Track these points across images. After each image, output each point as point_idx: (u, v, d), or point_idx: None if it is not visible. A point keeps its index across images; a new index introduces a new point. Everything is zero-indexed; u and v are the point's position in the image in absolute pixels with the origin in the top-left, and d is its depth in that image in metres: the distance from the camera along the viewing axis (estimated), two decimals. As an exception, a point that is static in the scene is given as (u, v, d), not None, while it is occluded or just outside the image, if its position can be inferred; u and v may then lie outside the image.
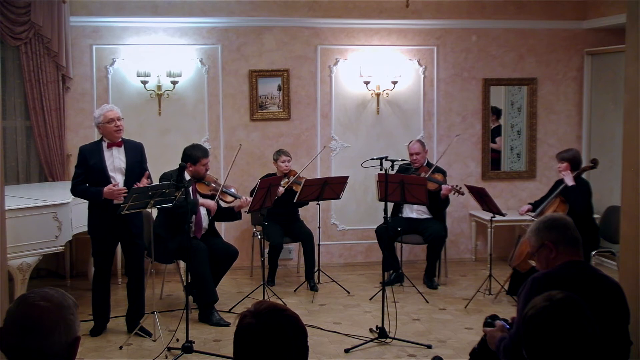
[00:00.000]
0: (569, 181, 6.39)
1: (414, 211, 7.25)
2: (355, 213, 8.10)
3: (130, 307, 5.78)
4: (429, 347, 5.46)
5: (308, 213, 7.58)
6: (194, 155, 6.20)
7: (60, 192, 6.30)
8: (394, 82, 7.86)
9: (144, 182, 5.53)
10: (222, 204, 6.44)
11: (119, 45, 7.54)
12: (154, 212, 6.10)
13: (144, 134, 7.14)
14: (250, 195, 6.53)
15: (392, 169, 6.22)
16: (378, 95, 7.95)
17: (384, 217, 5.97)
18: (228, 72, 7.75)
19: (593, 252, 6.60)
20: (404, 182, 6.48)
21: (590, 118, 8.27)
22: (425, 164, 7.20)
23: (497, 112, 8.37)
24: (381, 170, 5.86)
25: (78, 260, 7.49)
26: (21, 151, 7.37)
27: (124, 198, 5.29)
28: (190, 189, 5.99)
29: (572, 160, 6.50)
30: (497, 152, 8.41)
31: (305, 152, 7.82)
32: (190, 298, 5.83)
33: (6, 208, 4.56)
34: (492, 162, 8.36)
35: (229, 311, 6.29)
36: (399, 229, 6.99)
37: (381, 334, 5.56)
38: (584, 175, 6.65)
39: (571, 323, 2.26)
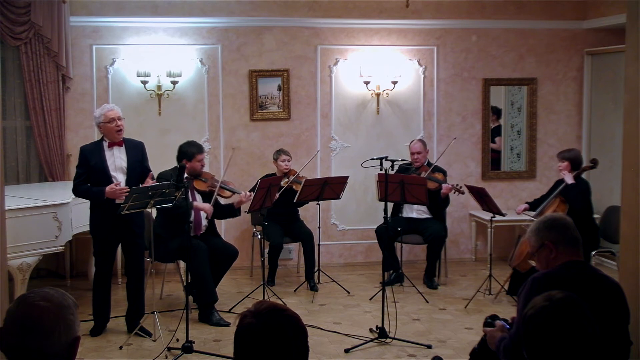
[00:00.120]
0: (569, 179, 6.40)
1: (414, 211, 7.25)
2: (355, 213, 8.10)
3: (130, 307, 5.78)
4: (429, 347, 5.46)
5: (308, 213, 7.58)
6: (189, 151, 6.20)
7: (60, 192, 6.30)
8: (394, 82, 7.86)
9: (149, 183, 5.53)
10: (221, 201, 6.43)
11: (119, 45, 7.54)
12: (154, 212, 6.10)
13: (144, 133, 7.13)
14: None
15: (392, 169, 6.22)
16: (378, 95, 7.95)
17: (384, 217, 5.97)
18: (228, 72, 7.76)
19: (593, 252, 6.60)
20: (404, 182, 6.49)
21: (590, 118, 8.28)
22: (425, 164, 7.20)
23: (497, 112, 8.37)
24: (381, 170, 5.86)
25: (78, 260, 7.49)
26: (21, 151, 7.37)
27: (125, 198, 5.30)
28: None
29: (573, 160, 6.50)
30: (497, 152, 8.41)
31: (305, 152, 7.82)
32: (190, 298, 5.83)
33: (6, 208, 4.56)
34: (492, 162, 8.36)
35: (229, 311, 6.29)
36: (399, 229, 6.99)
37: (381, 334, 5.56)
38: (583, 175, 6.66)
39: (571, 323, 2.26)
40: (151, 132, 7.43)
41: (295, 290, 7.01)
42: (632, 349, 3.13)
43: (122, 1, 7.50)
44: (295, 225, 7.23)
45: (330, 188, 6.90)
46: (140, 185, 5.45)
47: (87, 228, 6.05)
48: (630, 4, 4.43)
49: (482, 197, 6.69)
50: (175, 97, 7.63)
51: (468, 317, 6.19)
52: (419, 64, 8.08)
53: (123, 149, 5.62)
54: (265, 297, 6.20)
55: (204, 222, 6.31)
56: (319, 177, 7.60)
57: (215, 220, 6.61)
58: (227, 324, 5.91)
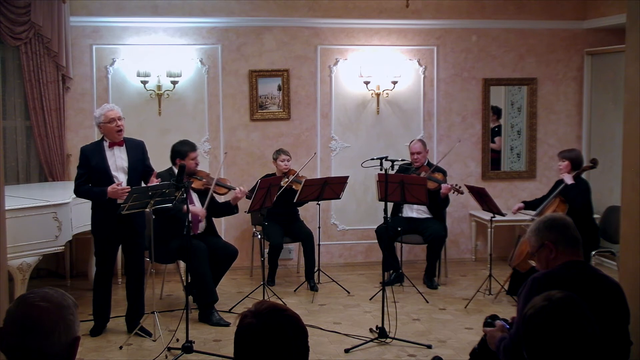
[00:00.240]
0: (568, 180, 6.39)
1: (414, 210, 7.25)
2: (355, 213, 8.10)
3: (130, 307, 5.78)
4: (429, 347, 5.46)
5: (308, 213, 7.58)
6: (182, 150, 6.21)
7: (60, 192, 6.30)
8: (394, 82, 7.86)
9: (154, 182, 5.54)
10: (218, 198, 6.43)
11: (119, 45, 7.54)
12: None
13: (144, 133, 7.11)
14: (248, 197, 6.51)
15: (392, 169, 6.22)
16: (378, 95, 7.95)
17: (384, 217, 5.97)
18: (228, 72, 7.76)
19: (593, 252, 6.60)
20: (404, 182, 6.49)
21: (590, 118, 8.28)
22: (425, 164, 7.20)
23: (497, 112, 8.37)
24: (381, 170, 5.86)
25: (78, 260, 7.49)
26: (21, 151, 7.37)
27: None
28: None
29: (574, 160, 6.50)
30: (496, 152, 8.41)
31: (305, 152, 7.82)
32: (190, 298, 5.83)
33: (6, 208, 4.56)
34: (492, 162, 8.36)
35: (229, 311, 6.28)
36: (399, 229, 6.99)
37: (381, 334, 5.56)
38: (583, 175, 6.66)
39: (570, 323, 2.26)
40: (151, 132, 7.43)
41: (295, 290, 7.01)
42: (632, 349, 3.13)
43: (122, 1, 7.50)
44: (295, 225, 7.23)
45: (330, 188, 6.90)
46: (147, 185, 5.46)
47: (87, 228, 6.06)
48: (630, 4, 4.43)
49: (482, 197, 6.69)
50: (175, 97, 7.63)
51: (468, 317, 6.19)
52: (419, 64, 8.08)
53: (124, 148, 5.62)
54: (265, 297, 6.20)
55: (202, 222, 6.31)
56: (319, 177, 7.60)
57: (215, 219, 6.62)
58: (227, 324, 5.91)
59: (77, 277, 7.39)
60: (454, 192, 6.91)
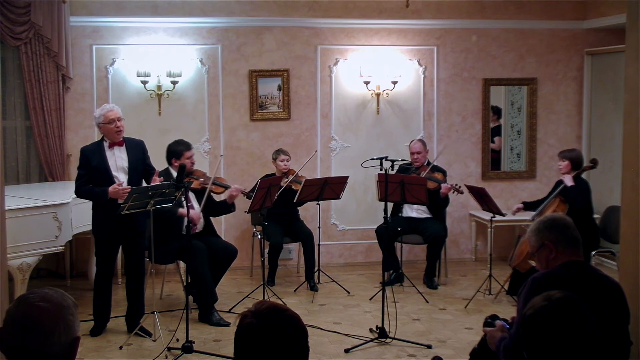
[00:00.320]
0: (568, 182, 6.39)
1: (414, 210, 7.25)
2: (355, 213, 8.10)
3: (130, 307, 5.78)
4: (429, 347, 5.46)
5: (308, 213, 7.58)
6: (177, 150, 6.21)
7: (60, 192, 6.30)
8: (394, 82, 7.86)
9: (156, 181, 5.55)
10: (216, 197, 6.42)
11: (119, 45, 7.54)
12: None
13: (144, 133, 7.11)
14: (248, 197, 6.51)
15: (392, 169, 6.22)
16: (378, 95, 7.95)
17: (384, 217, 5.97)
18: (228, 72, 7.76)
19: (593, 252, 6.60)
20: (404, 182, 6.49)
21: (590, 118, 8.28)
22: (425, 164, 7.20)
23: (497, 112, 8.37)
24: (381, 170, 5.86)
25: (78, 260, 7.49)
26: (21, 151, 7.37)
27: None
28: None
29: (574, 160, 6.50)
30: (496, 152, 8.41)
31: (305, 152, 7.81)
32: (190, 298, 5.83)
33: (6, 208, 4.55)
34: (492, 162, 8.36)
35: (229, 311, 6.28)
36: (399, 229, 6.99)
37: (381, 334, 5.56)
38: (583, 175, 6.65)
39: (570, 323, 2.26)
40: (151, 132, 7.42)
41: (295, 290, 7.01)
42: (632, 349, 3.13)
43: (122, 1, 7.50)
44: (295, 225, 7.23)
45: (330, 188, 6.90)
46: (150, 184, 5.46)
47: (87, 228, 6.07)
48: (630, 4, 4.43)
49: (482, 197, 6.69)
50: (175, 97, 7.63)
51: (468, 317, 6.19)
52: (419, 64, 8.08)
53: (124, 148, 5.62)
54: (265, 297, 6.20)
55: (200, 222, 6.30)
56: (319, 177, 7.60)
57: (216, 219, 6.61)
58: (227, 324, 5.91)
59: (77, 277, 7.39)
60: (454, 192, 6.91)
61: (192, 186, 6.20)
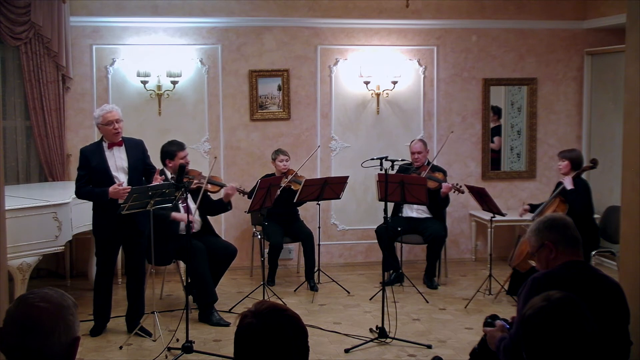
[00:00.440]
0: (568, 185, 6.38)
1: (414, 210, 7.25)
2: (355, 213, 8.10)
3: (130, 307, 5.78)
4: (429, 347, 5.46)
5: (308, 213, 7.58)
6: (170, 150, 6.21)
7: (60, 192, 6.30)
8: (394, 82, 7.86)
9: (158, 180, 5.55)
10: (212, 196, 6.42)
11: (119, 45, 7.54)
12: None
13: (144, 134, 7.10)
14: (249, 197, 6.52)
15: (392, 169, 6.22)
16: (378, 95, 7.95)
17: (384, 217, 5.97)
18: (228, 72, 7.75)
19: (593, 252, 6.60)
20: (404, 182, 6.49)
21: (590, 118, 8.28)
22: (426, 164, 7.20)
23: (498, 112, 8.37)
24: (381, 170, 5.86)
25: (78, 260, 7.49)
26: (21, 151, 7.37)
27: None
28: None
29: (574, 160, 6.49)
30: (496, 152, 8.41)
31: (305, 152, 7.81)
32: (190, 298, 5.83)
33: (6, 208, 4.56)
34: (492, 162, 8.36)
35: (229, 311, 6.28)
36: (399, 229, 6.99)
37: (381, 334, 5.56)
38: (583, 176, 6.65)
39: (569, 323, 2.26)
40: (151, 132, 7.42)
41: (295, 290, 7.01)
42: (632, 349, 3.13)
43: (122, 1, 7.50)
44: (295, 225, 7.23)
45: (330, 188, 6.90)
46: (151, 183, 5.47)
47: (87, 228, 6.07)
48: (630, 4, 4.43)
49: (482, 197, 6.69)
50: (175, 97, 7.63)
51: (468, 317, 6.19)
52: (419, 64, 8.08)
53: (123, 148, 5.62)
54: (265, 297, 6.20)
55: (197, 218, 6.28)
56: (318, 177, 7.60)
57: (215, 219, 6.61)
58: (227, 324, 5.91)
59: (77, 277, 7.38)
60: (454, 192, 6.91)
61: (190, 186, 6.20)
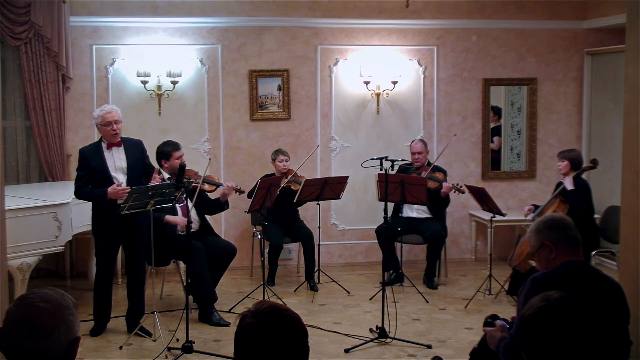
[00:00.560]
0: (569, 185, 6.38)
1: (414, 210, 7.25)
2: (355, 213, 8.10)
3: (130, 307, 5.78)
4: (429, 347, 5.46)
5: (308, 213, 7.58)
6: (165, 151, 6.21)
7: (60, 192, 6.30)
8: (394, 82, 7.86)
9: (157, 179, 5.54)
10: (209, 196, 6.42)
11: (119, 45, 7.54)
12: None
13: (144, 134, 7.11)
14: (249, 197, 6.52)
15: (392, 169, 6.22)
16: (378, 95, 7.95)
17: (384, 217, 5.97)
18: (228, 72, 7.76)
19: (593, 252, 6.60)
20: (404, 182, 6.49)
21: (590, 118, 8.27)
22: (426, 164, 7.20)
23: (498, 112, 8.37)
24: (381, 170, 5.86)
25: (78, 260, 7.49)
26: (21, 151, 7.37)
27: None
28: None
29: (574, 160, 6.49)
30: (496, 152, 8.41)
31: (305, 152, 7.81)
32: (190, 298, 5.83)
33: (6, 208, 4.56)
34: (492, 162, 8.36)
35: (229, 311, 6.28)
36: (399, 229, 6.99)
37: (381, 334, 5.56)
38: (583, 176, 6.65)
39: (568, 322, 2.26)
40: (151, 132, 7.42)
41: (295, 290, 7.01)
42: (632, 349, 3.13)
43: (122, 1, 7.50)
44: (295, 225, 7.23)
45: (330, 188, 6.90)
46: (150, 183, 5.46)
47: (87, 228, 6.07)
48: (630, 4, 4.42)
49: (482, 197, 6.69)
50: (175, 97, 7.63)
51: (468, 317, 6.19)
52: (419, 64, 8.08)
53: (122, 149, 5.62)
54: (265, 297, 6.20)
55: (195, 218, 6.28)
56: (318, 177, 7.60)
57: (215, 219, 6.61)
58: (227, 324, 5.91)
59: (77, 277, 7.38)
60: (455, 192, 6.91)
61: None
